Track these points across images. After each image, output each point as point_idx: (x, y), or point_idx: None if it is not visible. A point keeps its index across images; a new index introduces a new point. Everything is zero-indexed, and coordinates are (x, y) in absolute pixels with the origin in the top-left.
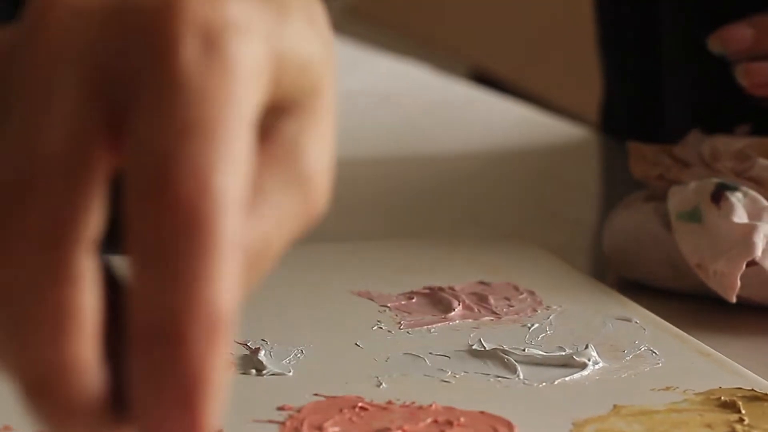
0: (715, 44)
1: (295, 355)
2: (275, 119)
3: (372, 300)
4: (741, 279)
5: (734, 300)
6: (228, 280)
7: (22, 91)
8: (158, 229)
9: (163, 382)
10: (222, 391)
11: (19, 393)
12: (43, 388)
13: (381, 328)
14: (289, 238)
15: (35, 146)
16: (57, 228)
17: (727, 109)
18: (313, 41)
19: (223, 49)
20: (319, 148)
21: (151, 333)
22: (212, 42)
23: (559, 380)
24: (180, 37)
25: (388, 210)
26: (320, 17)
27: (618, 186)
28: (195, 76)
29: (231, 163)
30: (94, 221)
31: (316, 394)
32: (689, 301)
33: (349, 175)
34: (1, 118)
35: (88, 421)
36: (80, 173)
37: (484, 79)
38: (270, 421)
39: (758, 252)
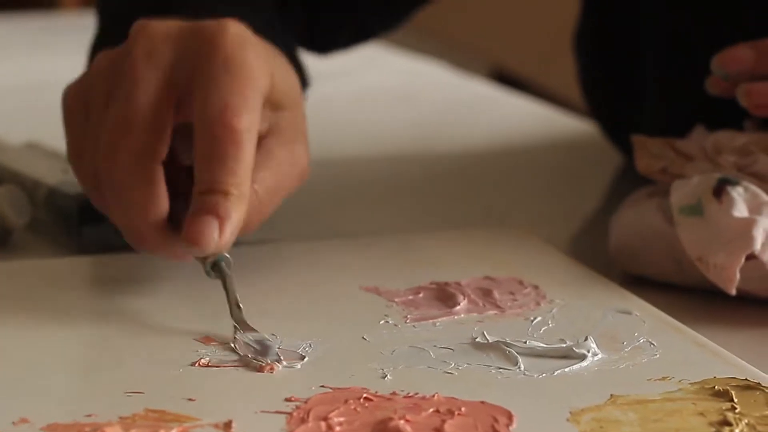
0: (716, 66)
1: (304, 348)
2: (277, 113)
3: (380, 295)
4: (741, 273)
5: (734, 292)
6: (245, 166)
7: (128, 78)
8: (214, 138)
9: (205, 209)
10: (239, 218)
11: (121, 232)
12: (136, 232)
13: (388, 322)
14: (285, 193)
15: (137, 108)
16: (148, 152)
17: (735, 103)
18: (289, 70)
19: (246, 56)
20: (302, 136)
21: (206, 189)
22: (240, 47)
23: (559, 371)
24: (224, 44)
25: (404, 206)
26: (288, 64)
27: (629, 182)
28: (232, 66)
29: (251, 112)
30: (164, 148)
31: (322, 386)
32: (692, 294)
33: (367, 172)
34: (110, 92)
35: (159, 238)
36: (160, 123)
37: (506, 78)
38: (278, 412)
39: (757, 246)
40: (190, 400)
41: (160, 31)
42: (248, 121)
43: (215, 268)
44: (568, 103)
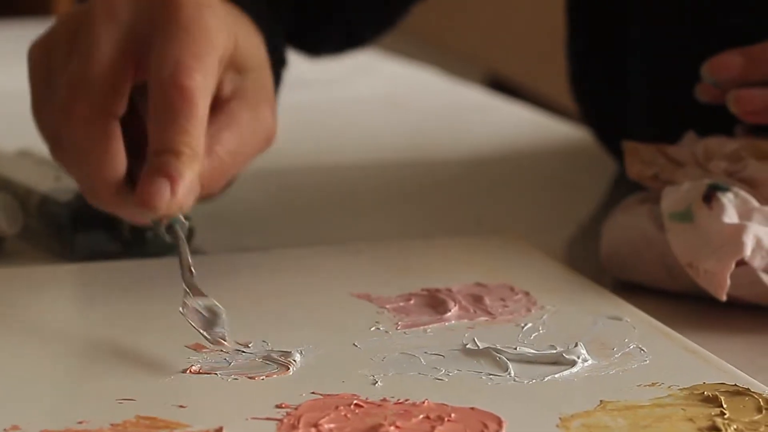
0: (705, 73)
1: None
2: (242, 76)
3: (371, 302)
4: (731, 278)
5: (724, 298)
6: (197, 125)
7: (87, 35)
8: (165, 97)
9: (157, 170)
10: (192, 178)
11: (80, 188)
12: (92, 189)
13: (379, 329)
14: (249, 156)
15: (95, 64)
16: (104, 108)
17: (725, 109)
18: (253, 32)
19: (204, 17)
20: (268, 98)
21: (158, 149)
22: (199, 7)
23: (549, 377)
24: (183, 3)
25: (396, 213)
26: (253, 27)
27: (622, 189)
28: (189, 26)
29: (204, 71)
30: (120, 106)
31: (313, 393)
32: (683, 300)
33: (359, 178)
34: (71, 49)
35: (114, 197)
36: (117, 80)
37: (501, 84)
38: (268, 419)
39: (747, 251)
40: (181, 407)
41: None
42: (200, 81)
43: (170, 230)
44: (563, 109)
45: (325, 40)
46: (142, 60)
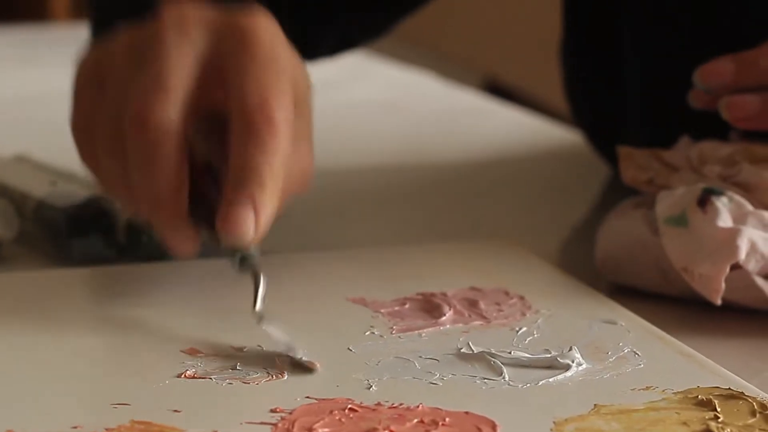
0: (697, 79)
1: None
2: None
3: (366, 306)
4: (726, 282)
5: (719, 302)
6: (281, 159)
7: (159, 47)
8: (253, 126)
9: (243, 199)
10: (273, 212)
11: (139, 201)
12: (157, 201)
13: (373, 333)
14: (288, 194)
15: (172, 74)
16: (180, 118)
17: (719, 115)
18: (307, 74)
19: (280, 54)
20: (308, 136)
21: (242, 178)
22: (274, 44)
23: (543, 381)
24: (262, 38)
25: (392, 217)
26: (305, 67)
27: (618, 193)
28: (269, 63)
29: (287, 107)
30: (191, 124)
31: (308, 397)
32: (677, 304)
33: (355, 183)
34: (136, 62)
35: (177, 213)
36: (192, 94)
37: (499, 89)
38: (262, 423)
39: (742, 255)
40: (175, 411)
41: (192, 13)
42: (285, 116)
43: (244, 262)
44: (560, 113)
45: (320, 46)
46: (210, 86)
